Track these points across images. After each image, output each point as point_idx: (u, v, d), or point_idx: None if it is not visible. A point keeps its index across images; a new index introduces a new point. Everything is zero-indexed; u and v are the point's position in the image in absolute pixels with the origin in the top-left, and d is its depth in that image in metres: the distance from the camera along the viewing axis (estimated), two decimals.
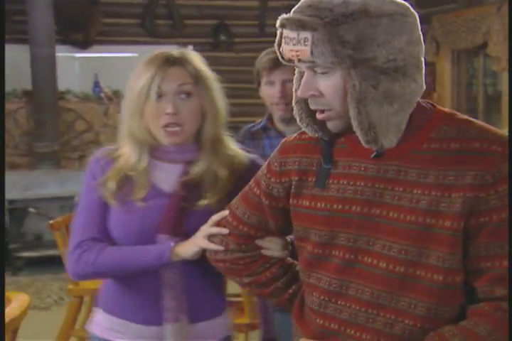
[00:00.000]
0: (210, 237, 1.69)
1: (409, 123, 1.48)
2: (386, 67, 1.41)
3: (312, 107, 1.50)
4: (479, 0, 6.32)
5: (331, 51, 1.39)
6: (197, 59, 1.83)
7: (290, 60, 1.48)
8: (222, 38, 7.05)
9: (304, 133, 1.61)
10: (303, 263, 1.59)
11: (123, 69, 4.96)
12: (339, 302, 1.49)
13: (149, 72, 1.75)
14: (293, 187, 1.59)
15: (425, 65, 1.49)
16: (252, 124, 2.91)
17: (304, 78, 1.47)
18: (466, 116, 1.51)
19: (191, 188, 1.81)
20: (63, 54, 6.74)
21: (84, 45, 6.91)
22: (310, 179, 1.56)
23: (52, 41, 6.18)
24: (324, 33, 1.38)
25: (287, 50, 1.45)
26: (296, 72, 1.54)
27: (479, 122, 1.49)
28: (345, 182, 1.52)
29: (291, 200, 1.59)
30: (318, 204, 1.54)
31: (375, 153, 1.48)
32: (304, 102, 1.53)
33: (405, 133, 1.47)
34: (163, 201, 1.80)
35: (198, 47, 7.12)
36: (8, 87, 6.52)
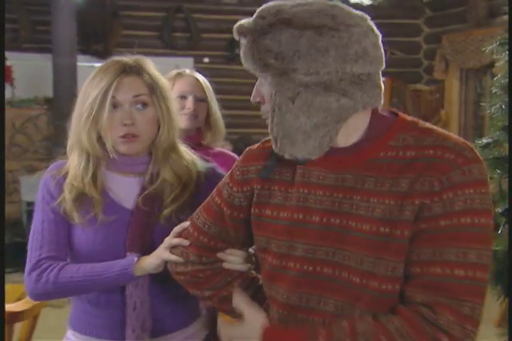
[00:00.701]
0: (172, 249, 1.63)
1: (368, 131, 1.44)
2: (307, 81, 1.36)
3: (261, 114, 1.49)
4: (488, 21, 6.50)
5: (251, 58, 1.38)
6: (152, 67, 1.76)
7: None
8: (238, 51, 7.20)
9: (267, 141, 1.55)
10: (264, 276, 1.52)
11: None
12: (299, 315, 1.44)
13: (104, 81, 1.68)
14: (255, 196, 1.53)
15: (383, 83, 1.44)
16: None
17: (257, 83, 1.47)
18: (429, 125, 1.47)
19: (151, 202, 1.75)
20: (83, 63, 6.98)
21: (103, 55, 7.14)
22: (272, 187, 1.51)
23: (74, 51, 6.39)
24: (249, 40, 1.38)
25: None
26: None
27: (441, 131, 1.44)
28: (305, 191, 1.47)
29: (252, 210, 1.53)
30: (281, 214, 1.48)
31: (298, 161, 1.45)
32: None
33: (363, 142, 1.44)
34: (126, 218, 1.74)
35: (214, 60, 7.33)
36: (30, 94, 6.76)
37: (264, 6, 1.39)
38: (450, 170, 1.33)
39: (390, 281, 1.34)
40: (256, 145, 1.59)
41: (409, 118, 1.46)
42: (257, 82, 1.42)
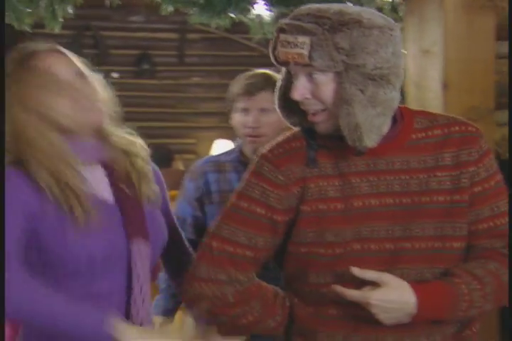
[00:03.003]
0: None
1: (394, 120, 1.56)
2: (374, 74, 1.46)
3: (304, 108, 1.53)
4: None
5: (328, 55, 1.44)
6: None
7: (284, 63, 1.51)
8: (145, 66, 7.44)
9: (285, 142, 1.59)
10: (327, 266, 1.53)
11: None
12: None
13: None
14: (308, 194, 1.54)
15: None
16: (216, 155, 2.60)
17: (298, 81, 1.50)
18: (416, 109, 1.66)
19: (126, 189, 1.65)
20: None
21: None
22: (321, 183, 1.55)
23: None
24: (322, 39, 1.43)
25: (283, 52, 1.47)
26: (281, 79, 1.58)
27: (432, 111, 1.67)
28: (375, 179, 1.54)
29: (305, 207, 1.54)
30: (354, 204, 1.53)
31: (358, 151, 1.52)
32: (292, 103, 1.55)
33: (392, 129, 1.55)
34: (111, 212, 1.60)
35: (123, 75, 7.67)
36: None
37: (308, 9, 1.46)
38: (479, 140, 1.57)
39: (459, 239, 1.54)
40: (274, 150, 1.58)
41: (402, 106, 1.62)
42: (303, 80, 1.48)
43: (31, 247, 1.52)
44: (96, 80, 1.63)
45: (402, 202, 1.53)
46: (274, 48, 1.50)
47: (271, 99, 2.28)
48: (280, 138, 1.63)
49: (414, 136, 1.56)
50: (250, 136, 2.37)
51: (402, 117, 1.57)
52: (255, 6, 2.59)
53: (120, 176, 1.65)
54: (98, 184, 1.62)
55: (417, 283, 1.50)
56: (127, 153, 1.68)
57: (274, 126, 2.35)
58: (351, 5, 1.61)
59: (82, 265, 1.53)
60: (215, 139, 6.57)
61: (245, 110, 2.38)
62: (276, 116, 2.20)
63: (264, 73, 2.46)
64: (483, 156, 1.57)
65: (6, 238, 1.46)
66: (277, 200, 1.55)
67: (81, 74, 1.60)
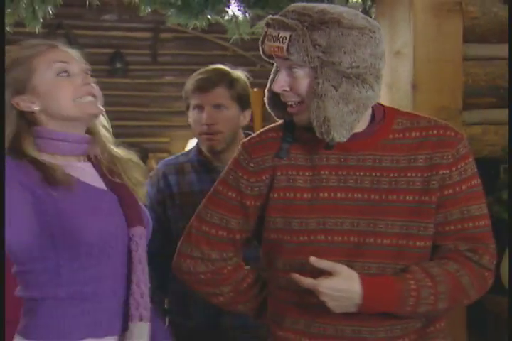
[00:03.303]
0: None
1: (373, 119, 1.61)
2: (349, 72, 1.50)
3: (283, 100, 1.59)
4: None
5: (303, 50, 1.49)
6: None
7: (269, 56, 1.58)
8: (118, 65, 7.42)
9: (262, 133, 1.68)
10: (290, 254, 1.60)
11: None
12: None
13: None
14: (275, 181, 1.61)
15: None
16: (174, 156, 2.50)
17: (279, 74, 1.57)
18: (404, 110, 1.70)
19: (116, 179, 1.72)
20: None
21: None
22: (290, 172, 1.62)
23: None
24: (300, 34, 1.49)
25: (268, 46, 1.55)
26: (272, 72, 1.63)
27: (420, 114, 1.69)
28: (341, 173, 1.59)
29: (272, 194, 1.61)
30: (320, 195, 1.59)
31: (327, 145, 1.57)
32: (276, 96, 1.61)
33: (370, 127, 1.60)
34: (110, 199, 1.67)
35: (96, 73, 7.66)
36: None
37: (295, 7, 1.54)
38: (456, 144, 1.60)
39: (423, 239, 1.58)
40: (252, 139, 1.69)
41: (388, 106, 1.70)
42: (284, 74, 1.55)
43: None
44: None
45: (371, 197, 1.58)
46: (262, 42, 1.58)
47: (226, 95, 2.34)
48: (263, 129, 1.72)
49: (391, 136, 1.61)
50: (206, 133, 2.30)
51: (384, 117, 1.62)
52: (231, 7, 2.65)
53: (107, 168, 1.71)
54: (89, 175, 1.68)
55: (367, 276, 1.54)
56: (109, 149, 1.76)
57: (230, 122, 2.33)
58: (338, 5, 1.65)
59: (95, 246, 1.58)
60: (188, 138, 6.60)
61: (199, 107, 2.32)
62: (231, 112, 2.33)
63: (218, 68, 2.40)
64: (458, 160, 1.59)
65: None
66: (247, 186, 1.65)
67: (86, 71, 1.71)
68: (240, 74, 2.41)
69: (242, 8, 2.60)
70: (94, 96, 1.68)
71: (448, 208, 1.60)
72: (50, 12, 2.43)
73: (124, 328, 1.62)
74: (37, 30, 2.50)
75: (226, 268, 1.69)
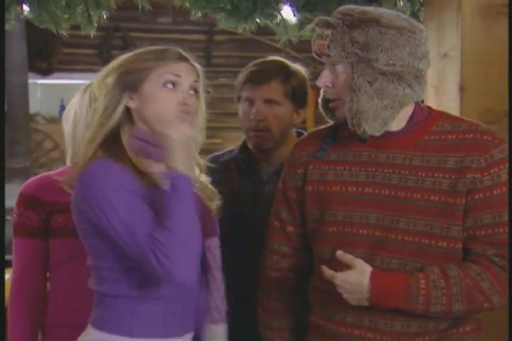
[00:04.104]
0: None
1: (411, 119, 1.64)
2: (385, 70, 1.55)
3: (326, 96, 1.67)
4: None
5: (341, 46, 1.56)
6: None
7: (317, 54, 1.65)
8: None
9: (313, 131, 1.80)
10: (325, 244, 1.70)
11: None
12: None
13: None
14: (308, 175, 1.71)
15: None
16: (222, 152, 2.37)
17: (324, 71, 1.64)
18: (456, 115, 1.74)
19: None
20: (28, 80, 7.41)
21: (46, 72, 7.56)
22: (323, 167, 1.70)
23: (25, 69, 6.85)
24: (340, 32, 1.56)
25: (315, 44, 1.63)
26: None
27: (469, 119, 1.70)
28: (371, 169, 1.64)
29: (307, 187, 1.70)
30: (349, 189, 1.65)
31: (359, 138, 1.63)
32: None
33: (408, 127, 1.63)
34: None
35: None
36: None
37: (342, 8, 1.62)
38: (491, 149, 1.60)
39: (447, 240, 1.60)
40: (303, 136, 1.87)
41: (439, 110, 1.74)
42: (327, 70, 1.63)
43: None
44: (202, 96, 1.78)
45: (397, 194, 1.61)
46: (313, 41, 1.65)
47: (279, 90, 2.18)
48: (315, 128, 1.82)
49: (426, 137, 1.64)
50: (253, 130, 2.15)
51: (426, 117, 1.66)
52: (280, 9, 2.67)
53: None
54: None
55: (381, 271, 1.59)
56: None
57: (281, 120, 2.16)
58: (382, 8, 1.69)
59: None
60: (240, 139, 6.67)
61: (250, 100, 2.17)
62: (284, 109, 2.16)
63: (275, 60, 2.24)
64: (491, 165, 1.60)
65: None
66: (288, 179, 1.77)
67: (193, 87, 1.74)
68: (298, 68, 2.23)
69: (291, 12, 2.62)
70: (186, 116, 1.70)
71: (478, 212, 1.60)
72: (105, 17, 2.49)
73: (189, 331, 1.71)
74: (91, 35, 2.56)
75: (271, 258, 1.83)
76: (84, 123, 1.95)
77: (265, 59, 2.25)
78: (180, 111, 1.68)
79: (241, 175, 2.22)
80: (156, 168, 1.67)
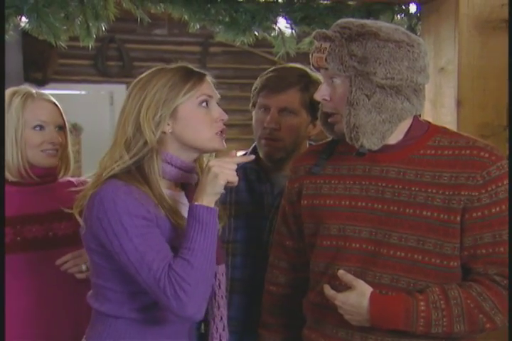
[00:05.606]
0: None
1: (408, 133, 1.62)
2: (383, 83, 1.53)
3: (324, 110, 1.66)
4: None
5: (339, 59, 1.54)
6: None
7: (315, 67, 1.64)
8: None
9: (312, 146, 1.79)
10: (319, 257, 1.70)
11: (77, 105, 5.60)
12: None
13: None
14: (304, 189, 1.71)
15: None
16: None
17: (322, 84, 1.63)
18: (455, 131, 1.72)
19: None
20: None
21: (42, 82, 7.54)
22: (318, 181, 1.69)
23: (21, 79, 6.84)
24: (338, 45, 1.54)
25: (313, 57, 1.62)
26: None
27: (467, 134, 1.67)
28: (364, 182, 1.63)
29: (302, 202, 1.70)
30: (342, 202, 1.64)
31: (356, 152, 1.61)
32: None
33: (404, 141, 1.62)
34: None
35: None
36: None
37: (340, 21, 1.60)
38: (488, 166, 1.55)
39: (441, 257, 1.57)
40: (303, 151, 1.88)
41: (439, 125, 1.71)
42: (325, 83, 1.61)
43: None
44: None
45: (390, 209, 1.59)
46: (311, 54, 1.64)
47: (297, 99, 2.08)
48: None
49: (421, 152, 1.61)
50: (266, 138, 2.05)
51: (424, 132, 1.64)
52: (278, 24, 2.68)
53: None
54: (185, 209, 1.66)
55: (379, 294, 1.58)
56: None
57: (295, 130, 2.07)
58: (381, 21, 1.71)
59: None
60: (236, 150, 6.67)
61: (265, 107, 2.07)
62: (299, 119, 2.06)
63: (295, 68, 2.13)
64: (488, 182, 1.55)
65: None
66: (286, 193, 1.78)
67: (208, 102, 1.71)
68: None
69: (288, 25, 2.63)
70: (223, 132, 1.70)
71: (477, 231, 1.57)
72: (103, 28, 2.50)
73: None
74: (90, 46, 2.57)
75: (271, 273, 1.86)
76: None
77: (285, 65, 2.16)
78: (220, 127, 1.69)
79: (248, 185, 2.11)
80: (179, 197, 1.69)
